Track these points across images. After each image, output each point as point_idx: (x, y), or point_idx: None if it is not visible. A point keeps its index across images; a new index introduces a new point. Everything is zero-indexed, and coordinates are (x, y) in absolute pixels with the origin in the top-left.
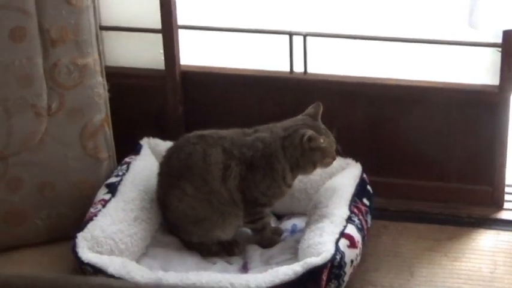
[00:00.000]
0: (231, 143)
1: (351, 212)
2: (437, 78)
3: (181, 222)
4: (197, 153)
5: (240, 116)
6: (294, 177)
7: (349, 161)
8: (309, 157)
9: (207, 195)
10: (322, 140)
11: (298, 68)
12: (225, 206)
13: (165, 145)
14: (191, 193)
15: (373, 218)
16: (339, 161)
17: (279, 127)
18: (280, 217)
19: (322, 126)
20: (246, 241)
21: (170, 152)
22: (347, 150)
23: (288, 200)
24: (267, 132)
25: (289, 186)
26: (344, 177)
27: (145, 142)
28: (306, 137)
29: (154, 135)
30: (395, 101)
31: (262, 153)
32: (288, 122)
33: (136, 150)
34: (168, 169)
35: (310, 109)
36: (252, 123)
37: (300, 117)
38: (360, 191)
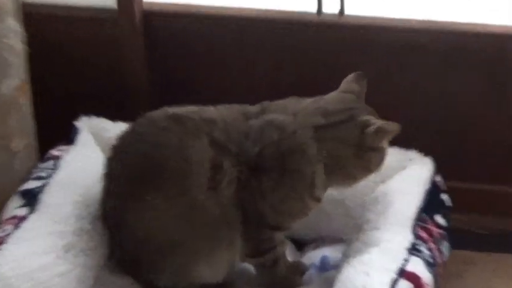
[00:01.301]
0: (223, 130)
1: (416, 237)
2: None
3: (142, 253)
4: (170, 144)
5: (236, 84)
6: (326, 188)
7: (413, 154)
8: (365, 160)
9: (185, 210)
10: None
11: (330, 8)
12: (213, 229)
13: (116, 129)
14: (160, 207)
15: (452, 246)
16: (397, 155)
17: (310, 108)
18: (302, 245)
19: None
20: (246, 286)
21: (126, 142)
22: (407, 141)
23: (313, 218)
24: (285, 113)
25: (318, 200)
26: (405, 180)
27: (84, 124)
28: (372, 129)
29: (100, 113)
30: (490, 63)
31: (277, 148)
32: (324, 102)
33: (70, 136)
34: (123, 169)
35: (350, 83)
36: (256, 97)
37: (340, 94)
38: (430, 204)
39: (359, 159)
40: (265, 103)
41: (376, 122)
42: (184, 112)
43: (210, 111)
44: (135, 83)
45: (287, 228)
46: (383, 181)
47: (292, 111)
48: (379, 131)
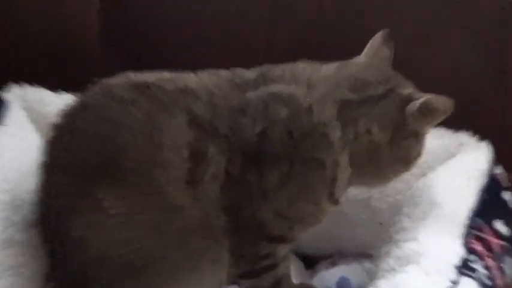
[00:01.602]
0: (208, 104)
1: (469, 250)
2: None
3: (94, 274)
4: (134, 124)
5: (217, 45)
6: (347, 187)
7: (465, 137)
8: (403, 149)
9: (154, 215)
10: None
11: None
12: (191, 240)
13: (58, 101)
14: (119, 210)
15: None
16: (442, 138)
17: (333, 77)
18: (312, 262)
19: None
20: None
21: (73, 120)
22: (459, 117)
23: (328, 225)
24: (296, 82)
25: (336, 202)
26: (453, 173)
27: (14, 95)
28: (416, 106)
29: (37, 82)
30: None
31: (287, 128)
32: (352, 70)
33: None
34: (69, 157)
35: (380, 45)
36: (246, 61)
37: (371, 60)
38: (488, 205)
39: (396, 147)
40: (265, 67)
41: (422, 96)
42: (154, 80)
43: (189, 79)
44: (85, 39)
45: (293, 240)
46: (423, 174)
47: (305, 80)
48: (426, 109)
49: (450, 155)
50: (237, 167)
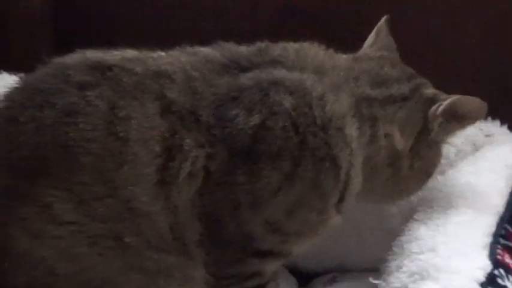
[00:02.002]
0: (186, 89)
1: (496, 263)
2: None
3: None
4: (92, 112)
5: (189, 19)
6: (353, 199)
7: (493, 126)
8: (423, 157)
9: (113, 224)
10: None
11: None
12: (159, 254)
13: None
14: (71, 217)
15: None
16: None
17: (349, 68)
18: (307, 279)
19: None
20: None
21: (15, 106)
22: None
23: (329, 234)
24: (303, 68)
25: (341, 211)
26: (479, 170)
27: None
28: (445, 107)
29: None
30: None
31: (292, 121)
32: (371, 63)
33: None
34: (8, 151)
35: (387, 34)
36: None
37: (387, 54)
38: None
39: (419, 155)
40: (264, 45)
41: (445, 97)
42: (118, 60)
43: (162, 58)
44: (27, 12)
45: (286, 256)
46: (442, 171)
47: (314, 66)
48: (451, 113)
49: (474, 149)
50: (221, 165)
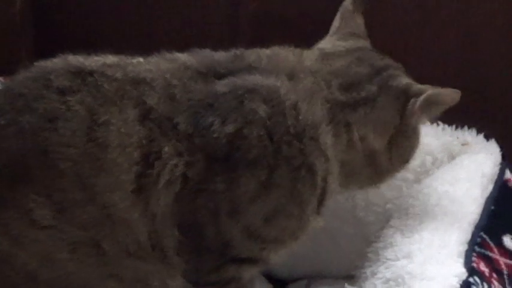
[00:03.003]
0: (164, 95)
1: (472, 271)
2: None
3: None
4: (72, 118)
5: (169, 21)
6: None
7: (469, 135)
8: (401, 146)
9: (91, 230)
10: None
11: None
12: (136, 261)
13: None
14: (47, 223)
15: None
16: (442, 137)
17: (318, 71)
18: (283, 285)
19: None
20: None
21: None
22: (462, 111)
23: (305, 242)
24: (275, 73)
25: (321, 214)
26: (455, 179)
27: None
28: (420, 102)
29: None
30: None
31: (267, 129)
32: (337, 62)
33: None
34: None
35: (353, 15)
36: (216, 44)
37: (352, 43)
38: (496, 218)
39: (396, 150)
40: (237, 51)
41: (424, 90)
42: (99, 65)
43: (141, 65)
44: (7, 17)
45: (266, 263)
46: (417, 180)
47: (287, 70)
48: (430, 103)
49: (451, 157)
50: (199, 173)
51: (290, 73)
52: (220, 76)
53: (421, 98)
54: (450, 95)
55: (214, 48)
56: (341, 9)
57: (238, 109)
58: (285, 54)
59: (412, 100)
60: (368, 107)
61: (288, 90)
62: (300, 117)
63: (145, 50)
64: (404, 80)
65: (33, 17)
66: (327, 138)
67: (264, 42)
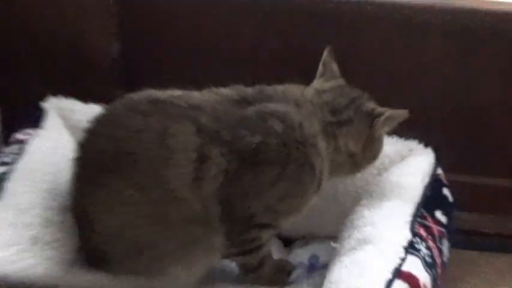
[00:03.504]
0: (213, 116)
1: (414, 234)
2: None
3: (110, 250)
4: (150, 130)
5: (226, 61)
6: (329, 179)
7: (413, 144)
8: (372, 149)
9: (161, 205)
10: None
11: None
12: (191, 227)
13: (87, 111)
14: (132, 200)
15: (453, 246)
16: (395, 145)
17: (315, 101)
18: (289, 242)
19: None
20: (227, 283)
21: (100, 125)
22: (410, 128)
23: (303, 213)
24: (286, 102)
25: (318, 194)
26: (403, 173)
27: (51, 105)
28: (382, 119)
29: (69, 93)
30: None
31: (283, 140)
32: (327, 96)
33: (35, 119)
34: (94, 154)
35: (332, 63)
36: (243, 78)
37: (334, 83)
38: (430, 199)
39: (367, 151)
40: (259, 87)
41: (384, 111)
42: (168, 97)
43: (196, 97)
44: (105, 59)
45: (277, 228)
46: (379, 174)
47: (293, 100)
48: (388, 120)
49: (401, 158)
50: (234, 169)
51: (296, 102)
52: (249, 104)
53: (383, 117)
54: (402, 114)
55: (243, 81)
56: (322, 60)
57: (262, 126)
58: (292, 89)
59: (377, 119)
60: (348, 125)
61: (295, 113)
62: (304, 131)
63: (197, 82)
64: (371, 105)
65: (125, 60)
66: (321, 145)
67: (276, 78)
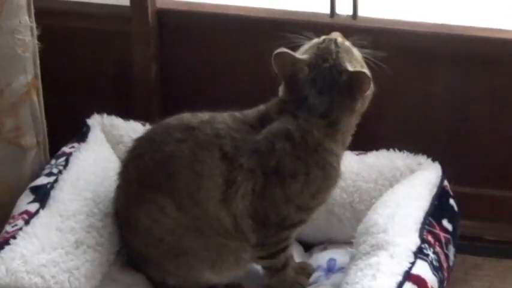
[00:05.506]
0: (232, 144)
1: (423, 241)
2: None
3: (152, 253)
4: (183, 157)
5: (248, 83)
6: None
7: (422, 159)
8: (364, 101)
9: (196, 221)
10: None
11: (343, 10)
12: (223, 239)
13: (127, 127)
14: (172, 215)
15: (458, 251)
16: (405, 159)
17: (309, 110)
18: (309, 247)
19: None
20: (253, 285)
21: (141, 147)
22: (419, 144)
23: (322, 220)
24: (281, 113)
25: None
26: (413, 185)
27: (95, 121)
28: (363, 81)
29: (112, 111)
30: (502, 64)
31: (296, 155)
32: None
33: (81, 134)
34: (138, 173)
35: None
36: (262, 98)
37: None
38: (438, 208)
39: (361, 105)
40: (259, 109)
41: (355, 72)
42: (198, 123)
43: (219, 122)
44: (147, 82)
45: (306, 223)
46: (391, 185)
47: (289, 112)
48: (366, 79)
49: (411, 172)
50: (262, 187)
51: (292, 114)
52: (255, 128)
53: (358, 81)
54: (366, 73)
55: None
56: (275, 68)
57: (272, 149)
58: (283, 101)
59: (362, 80)
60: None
61: (296, 127)
62: (309, 142)
63: (221, 104)
64: (348, 65)
65: (163, 84)
66: (329, 144)
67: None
